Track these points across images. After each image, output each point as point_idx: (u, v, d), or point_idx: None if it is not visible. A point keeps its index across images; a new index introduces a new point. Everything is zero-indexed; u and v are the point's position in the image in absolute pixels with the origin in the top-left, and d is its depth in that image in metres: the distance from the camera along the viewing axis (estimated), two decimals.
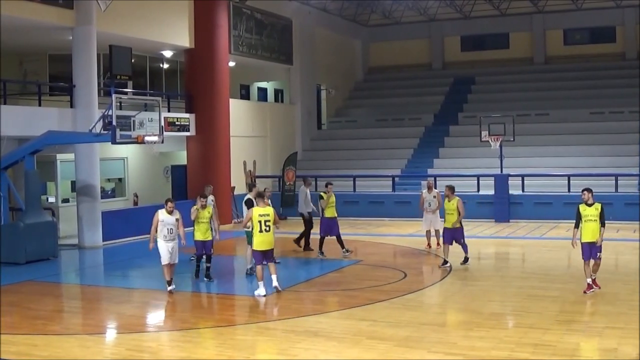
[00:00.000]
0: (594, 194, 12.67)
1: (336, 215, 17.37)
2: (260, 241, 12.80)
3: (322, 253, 17.11)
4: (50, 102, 21.37)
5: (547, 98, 32.67)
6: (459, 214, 15.49)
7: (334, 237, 17.27)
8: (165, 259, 13.42)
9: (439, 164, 28.94)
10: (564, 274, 15.08)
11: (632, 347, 9.30)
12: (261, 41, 28.31)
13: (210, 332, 10.63)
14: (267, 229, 12.74)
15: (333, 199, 17.27)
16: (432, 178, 26.16)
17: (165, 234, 13.44)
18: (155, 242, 13.50)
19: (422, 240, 18.54)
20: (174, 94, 26.15)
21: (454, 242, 15.60)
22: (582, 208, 12.58)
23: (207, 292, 13.85)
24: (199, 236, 14.36)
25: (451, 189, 15.78)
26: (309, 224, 18.34)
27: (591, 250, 12.42)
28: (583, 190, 12.70)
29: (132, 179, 25.08)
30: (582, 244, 12.52)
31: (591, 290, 12.42)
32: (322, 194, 17.30)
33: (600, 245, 12.55)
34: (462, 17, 36.31)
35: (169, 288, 13.34)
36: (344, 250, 17.11)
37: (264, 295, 12.64)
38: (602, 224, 12.49)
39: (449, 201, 15.65)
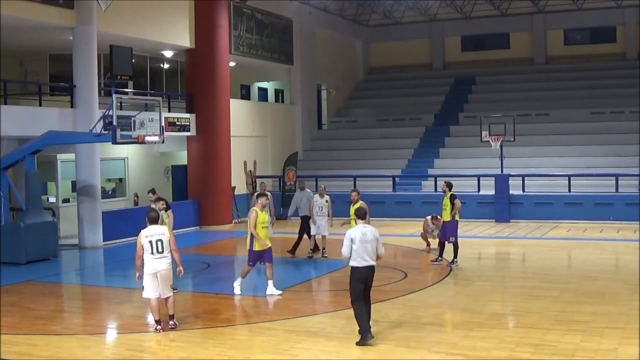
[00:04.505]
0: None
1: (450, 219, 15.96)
2: None
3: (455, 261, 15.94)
4: (50, 102, 21.38)
5: (547, 98, 32.68)
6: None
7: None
8: (149, 290, 10.60)
9: (440, 164, 28.93)
10: (565, 274, 15.11)
11: (632, 348, 9.30)
12: (262, 41, 28.31)
13: (210, 332, 10.63)
14: None
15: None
16: (433, 178, 26.33)
17: (151, 250, 10.48)
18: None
19: (423, 241, 18.53)
20: (174, 94, 26.15)
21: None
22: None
23: (207, 292, 13.82)
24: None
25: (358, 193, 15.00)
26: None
27: None
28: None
29: (132, 179, 25.07)
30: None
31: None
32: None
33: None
34: (462, 17, 36.30)
35: (157, 327, 10.62)
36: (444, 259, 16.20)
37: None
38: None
39: (352, 205, 14.76)
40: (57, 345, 10.07)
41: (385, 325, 10.74)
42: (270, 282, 13.01)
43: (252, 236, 12.87)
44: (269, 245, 12.95)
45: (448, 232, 15.86)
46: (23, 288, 14.56)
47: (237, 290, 13.10)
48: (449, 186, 16.03)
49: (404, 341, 9.84)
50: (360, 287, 9.78)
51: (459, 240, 16.01)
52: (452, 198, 15.79)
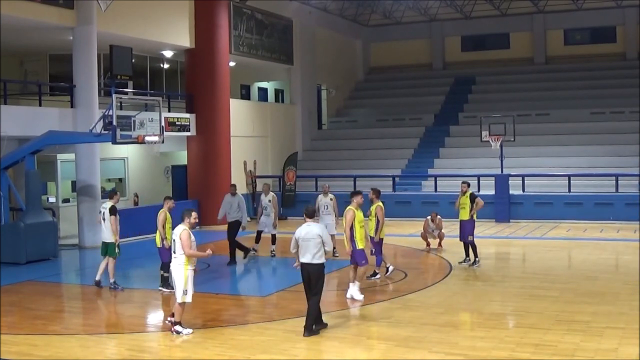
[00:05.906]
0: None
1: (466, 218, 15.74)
2: None
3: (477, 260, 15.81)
4: (50, 102, 21.37)
5: (547, 98, 32.69)
6: (378, 221, 14.13)
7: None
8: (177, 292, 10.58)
9: (440, 164, 28.93)
10: (565, 274, 15.10)
11: (632, 348, 9.30)
12: (262, 41, 28.31)
13: (211, 332, 10.63)
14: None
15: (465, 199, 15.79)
16: (433, 178, 26.33)
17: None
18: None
19: (423, 241, 18.52)
20: (174, 94, 26.15)
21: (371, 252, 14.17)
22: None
23: (207, 292, 13.80)
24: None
25: (376, 192, 14.51)
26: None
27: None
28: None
29: (132, 179, 25.08)
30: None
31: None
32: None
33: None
34: (462, 17, 36.31)
35: (169, 318, 10.81)
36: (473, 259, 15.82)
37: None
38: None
39: (371, 205, 14.39)
40: (57, 345, 10.07)
41: (385, 325, 10.75)
42: (352, 285, 12.47)
43: (352, 236, 12.44)
44: (362, 246, 12.58)
45: (467, 232, 15.67)
46: (23, 288, 14.56)
47: (359, 296, 12.43)
48: (469, 185, 15.95)
49: (404, 341, 9.84)
50: (306, 283, 10.39)
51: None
52: (473, 197, 15.67)
